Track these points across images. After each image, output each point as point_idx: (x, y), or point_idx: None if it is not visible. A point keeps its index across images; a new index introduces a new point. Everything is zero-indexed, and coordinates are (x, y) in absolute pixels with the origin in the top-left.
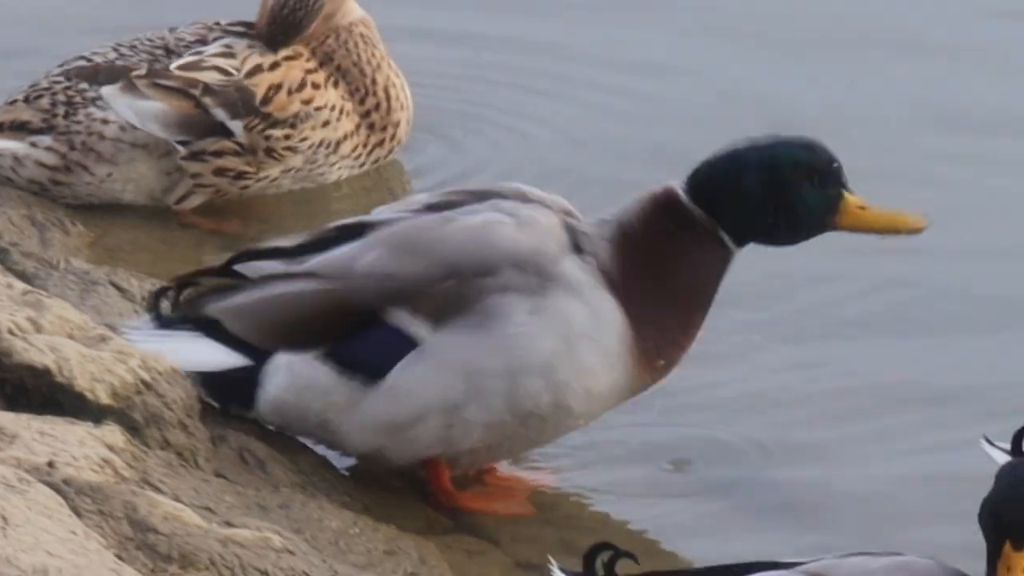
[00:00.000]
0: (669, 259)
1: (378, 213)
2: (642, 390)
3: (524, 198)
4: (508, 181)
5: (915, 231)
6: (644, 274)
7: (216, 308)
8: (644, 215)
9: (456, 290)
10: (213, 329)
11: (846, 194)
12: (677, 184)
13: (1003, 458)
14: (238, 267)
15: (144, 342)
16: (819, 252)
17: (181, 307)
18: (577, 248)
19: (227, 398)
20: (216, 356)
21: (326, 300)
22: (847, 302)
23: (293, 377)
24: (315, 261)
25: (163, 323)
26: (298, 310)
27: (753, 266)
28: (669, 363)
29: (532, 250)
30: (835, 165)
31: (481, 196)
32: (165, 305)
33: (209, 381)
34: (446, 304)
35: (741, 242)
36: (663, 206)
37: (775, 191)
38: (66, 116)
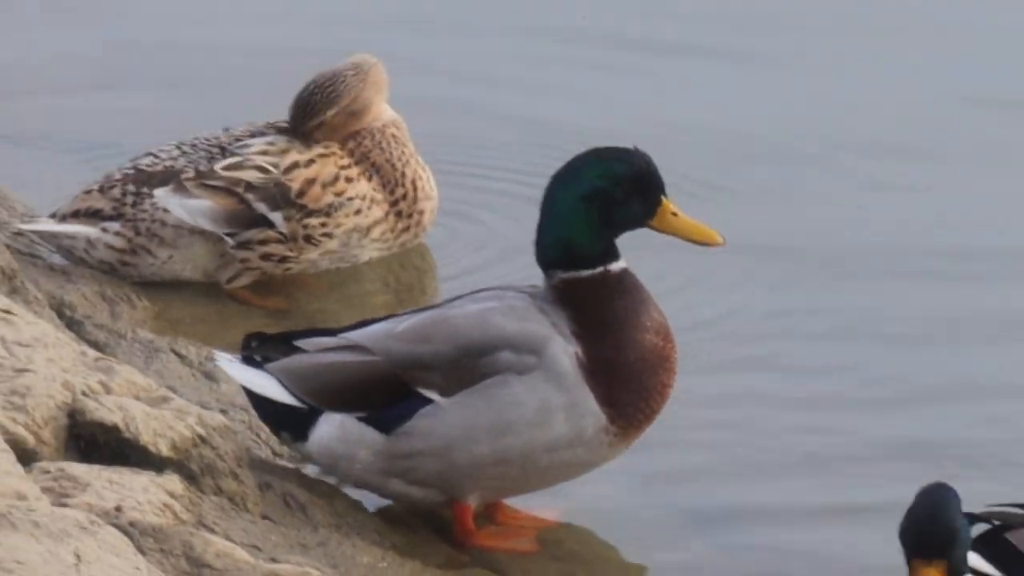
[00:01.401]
0: (601, 326)
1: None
2: (622, 446)
3: (502, 289)
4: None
5: (714, 245)
6: (595, 349)
7: (275, 368)
8: (564, 295)
9: (465, 366)
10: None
11: (664, 199)
12: (542, 279)
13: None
14: (297, 340)
15: (232, 369)
16: None
17: (258, 353)
18: (555, 324)
19: (283, 428)
20: (283, 394)
21: (370, 372)
22: None
23: (344, 432)
24: (355, 335)
25: (247, 361)
26: (346, 377)
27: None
28: (642, 421)
29: (520, 333)
30: (652, 170)
31: (477, 293)
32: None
33: (270, 411)
34: (459, 378)
35: (607, 262)
36: (561, 291)
37: (609, 209)
38: (134, 205)
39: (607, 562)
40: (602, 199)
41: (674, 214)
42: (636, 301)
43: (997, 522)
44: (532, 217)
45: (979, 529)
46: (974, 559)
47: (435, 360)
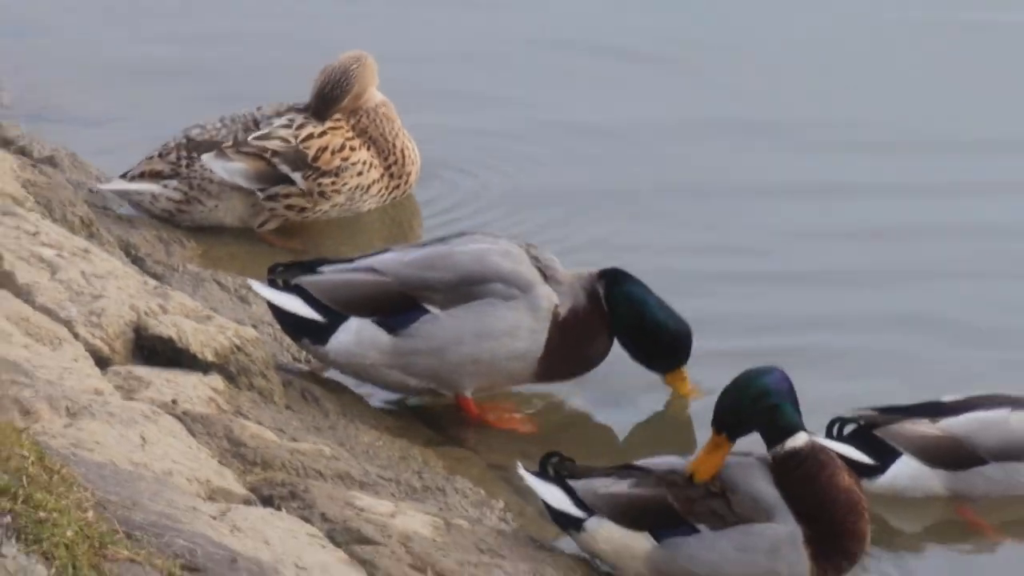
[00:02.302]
0: (589, 329)
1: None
2: (541, 379)
3: (493, 235)
4: (491, 208)
5: (692, 397)
6: (572, 319)
7: (307, 281)
8: (588, 298)
9: (463, 289)
10: (302, 294)
11: (683, 368)
12: (605, 281)
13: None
14: (321, 268)
15: (264, 292)
16: None
17: (283, 279)
18: (544, 278)
19: (304, 335)
20: (304, 309)
21: (384, 289)
22: None
23: (359, 334)
24: (371, 261)
25: (274, 285)
26: (365, 291)
27: None
28: (559, 375)
29: (513, 272)
30: (687, 351)
31: (465, 235)
32: (274, 278)
33: (294, 324)
34: (456, 297)
35: (614, 333)
36: (594, 293)
37: (650, 344)
38: (187, 167)
39: (561, 443)
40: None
41: (683, 378)
42: (605, 332)
43: (863, 422)
44: (487, 177)
45: (851, 428)
46: (848, 450)
47: (439, 283)
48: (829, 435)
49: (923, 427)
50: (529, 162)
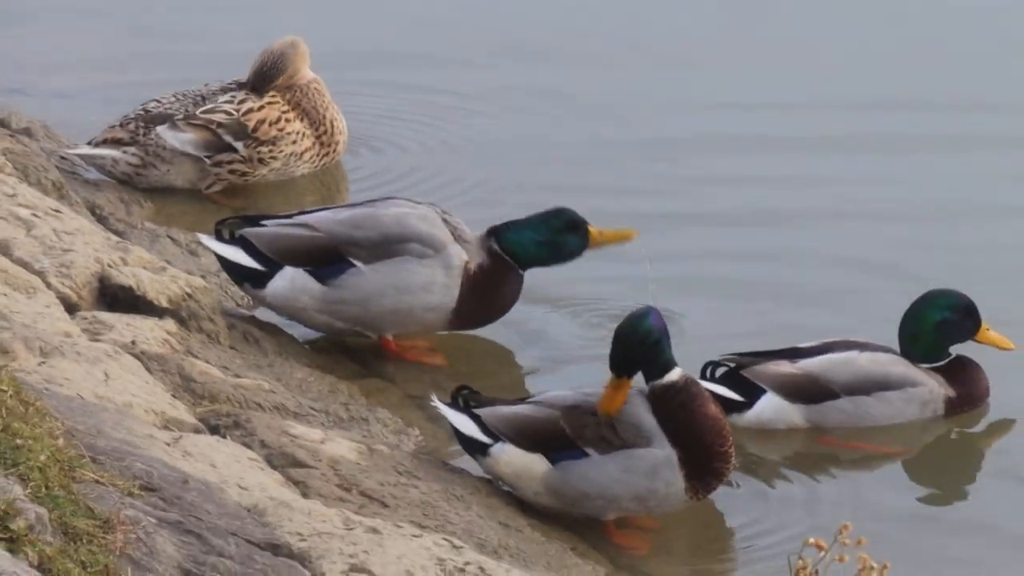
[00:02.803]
0: (495, 282)
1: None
2: (455, 328)
3: (414, 201)
4: (409, 177)
5: (631, 239)
6: (481, 274)
7: (251, 233)
8: (488, 254)
9: (384, 247)
10: (245, 245)
11: (590, 227)
12: (495, 237)
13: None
14: (263, 222)
15: (211, 244)
16: None
17: (230, 231)
18: (455, 238)
19: (246, 281)
20: (245, 258)
21: (317, 243)
22: None
23: (293, 281)
24: (307, 218)
25: (220, 238)
26: (300, 244)
27: None
28: (471, 324)
29: (429, 234)
30: (577, 219)
31: (389, 199)
32: (221, 231)
33: (237, 271)
34: (378, 253)
35: (526, 268)
36: (492, 249)
37: (553, 248)
38: (144, 135)
39: (469, 378)
40: (552, 243)
41: (600, 233)
42: (515, 280)
43: (732, 364)
44: (411, 156)
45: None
46: (719, 389)
47: (364, 240)
48: (703, 377)
49: (784, 367)
50: (443, 135)
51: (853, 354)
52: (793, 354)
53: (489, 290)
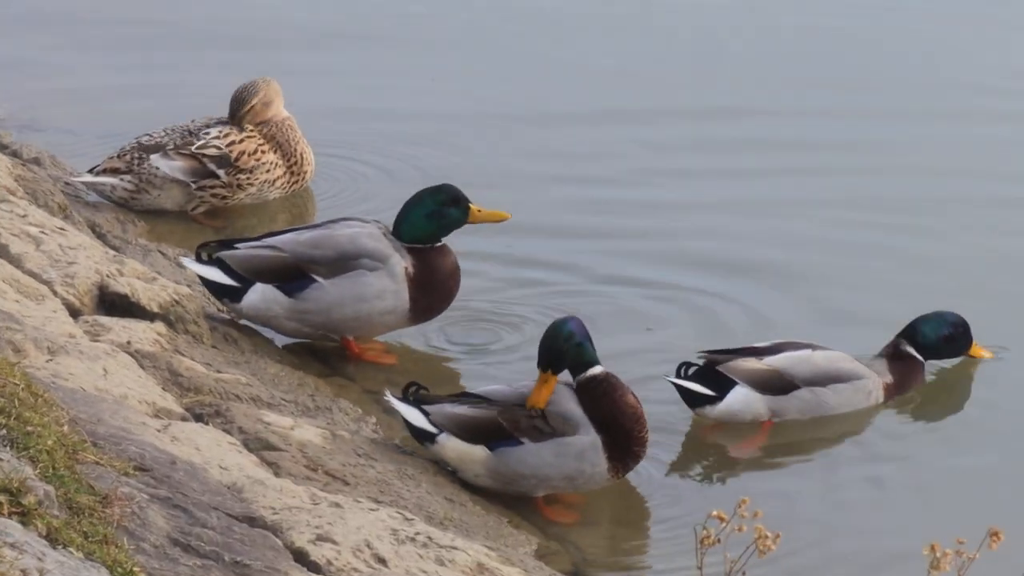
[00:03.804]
0: (430, 273)
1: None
2: (415, 323)
3: (363, 220)
4: (361, 202)
5: (506, 218)
6: (419, 273)
7: (225, 255)
8: (409, 252)
9: (340, 263)
10: (221, 265)
11: (471, 205)
12: (396, 236)
13: None
14: (236, 244)
15: (192, 266)
16: None
17: (208, 253)
18: (396, 250)
19: (223, 296)
20: (222, 277)
21: (282, 262)
22: None
23: (263, 296)
24: (273, 240)
25: (200, 260)
26: (268, 264)
27: None
28: (428, 315)
29: (376, 249)
30: (459, 194)
31: (345, 219)
32: (201, 254)
33: (215, 288)
34: (335, 269)
35: (435, 241)
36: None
37: (438, 219)
38: (138, 165)
39: (419, 375)
40: (436, 213)
41: (479, 211)
42: (445, 256)
43: (704, 361)
44: (366, 182)
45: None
46: (693, 385)
47: (323, 259)
48: (678, 375)
49: (753, 363)
50: (384, 162)
51: (807, 352)
52: (753, 352)
53: (430, 282)
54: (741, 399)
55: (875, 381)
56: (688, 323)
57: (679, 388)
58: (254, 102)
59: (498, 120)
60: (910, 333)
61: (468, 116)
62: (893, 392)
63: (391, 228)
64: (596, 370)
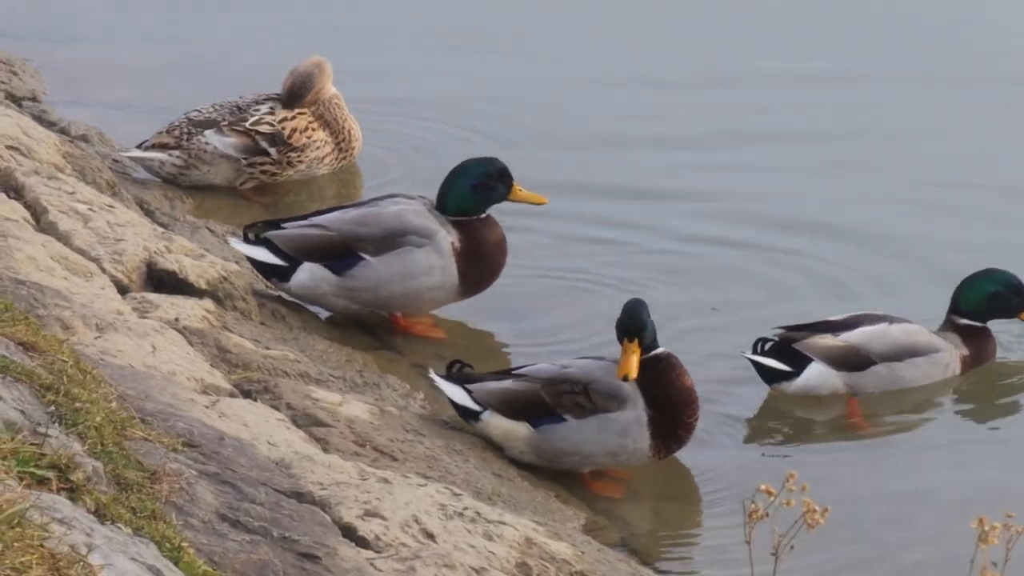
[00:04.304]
0: (476, 246)
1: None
2: (465, 297)
3: (409, 196)
4: (411, 176)
5: (543, 203)
6: (466, 247)
7: (273, 235)
8: (455, 225)
9: (387, 241)
10: (269, 245)
11: (514, 184)
12: (443, 212)
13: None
14: (283, 224)
15: (240, 247)
16: None
17: (255, 234)
18: (442, 225)
19: (272, 276)
20: (270, 257)
21: (330, 241)
22: None
23: (312, 274)
24: (320, 219)
25: (247, 240)
26: (315, 243)
27: None
28: (477, 289)
29: (422, 225)
30: (506, 169)
31: (390, 196)
32: (249, 234)
33: (264, 268)
34: (383, 247)
35: (479, 213)
36: (452, 222)
37: (484, 191)
38: (187, 140)
39: (463, 352)
40: (482, 185)
41: (520, 190)
42: (491, 228)
43: (778, 337)
44: (413, 160)
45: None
46: (770, 361)
47: (370, 236)
48: (755, 351)
49: (828, 339)
50: (429, 141)
51: (884, 326)
52: (829, 327)
53: (477, 255)
54: (817, 376)
55: (952, 353)
56: (760, 288)
57: (755, 364)
58: (309, 97)
59: (560, 88)
60: (954, 305)
61: (524, 88)
62: (970, 364)
63: (435, 202)
64: (660, 350)
